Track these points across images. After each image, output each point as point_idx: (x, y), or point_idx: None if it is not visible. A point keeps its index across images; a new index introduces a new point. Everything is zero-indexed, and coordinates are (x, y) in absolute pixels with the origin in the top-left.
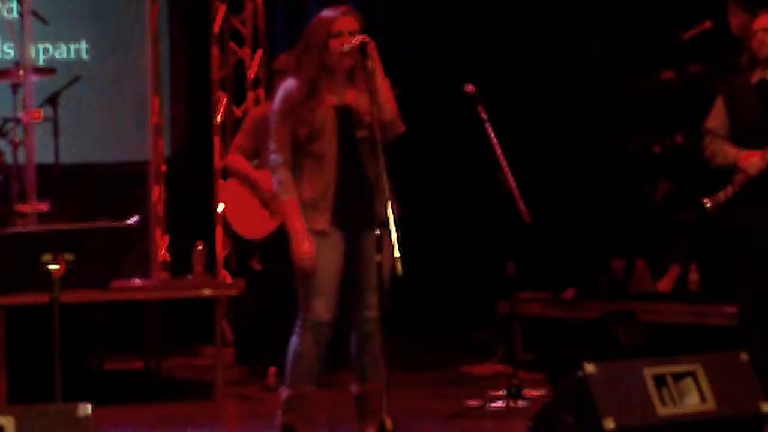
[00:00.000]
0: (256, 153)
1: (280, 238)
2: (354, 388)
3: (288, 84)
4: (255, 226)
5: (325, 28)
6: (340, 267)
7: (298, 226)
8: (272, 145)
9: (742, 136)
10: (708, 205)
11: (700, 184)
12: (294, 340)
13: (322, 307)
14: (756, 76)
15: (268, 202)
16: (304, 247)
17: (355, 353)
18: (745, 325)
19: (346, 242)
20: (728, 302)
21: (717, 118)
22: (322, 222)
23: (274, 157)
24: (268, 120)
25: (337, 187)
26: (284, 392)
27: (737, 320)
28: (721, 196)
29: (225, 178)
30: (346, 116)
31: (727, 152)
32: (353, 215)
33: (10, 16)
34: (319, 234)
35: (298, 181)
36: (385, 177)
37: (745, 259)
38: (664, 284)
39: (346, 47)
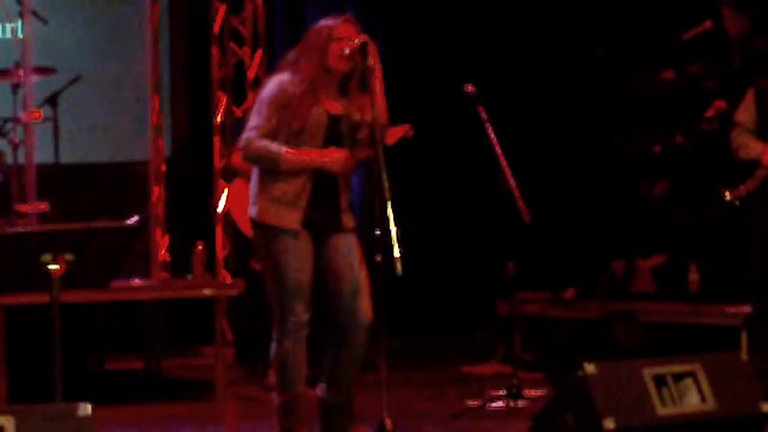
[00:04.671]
0: None
1: None
2: (320, 392)
3: (283, 77)
4: None
5: (327, 31)
6: (311, 267)
7: (312, 155)
8: (256, 129)
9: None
10: (728, 197)
11: (700, 184)
12: (276, 346)
13: (301, 308)
14: None
15: None
16: (332, 155)
17: (331, 359)
18: (759, 323)
19: (314, 244)
20: (728, 302)
21: (746, 112)
22: (294, 221)
23: (250, 135)
24: None
25: (312, 188)
26: (277, 399)
27: (752, 316)
28: (742, 189)
29: (228, 179)
30: (335, 122)
31: (751, 147)
32: (322, 219)
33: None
34: (290, 234)
35: (276, 176)
36: (384, 177)
37: (763, 254)
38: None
39: (348, 50)
